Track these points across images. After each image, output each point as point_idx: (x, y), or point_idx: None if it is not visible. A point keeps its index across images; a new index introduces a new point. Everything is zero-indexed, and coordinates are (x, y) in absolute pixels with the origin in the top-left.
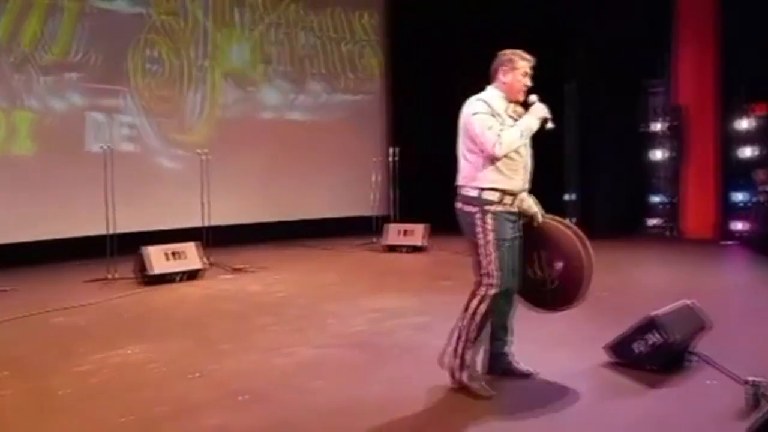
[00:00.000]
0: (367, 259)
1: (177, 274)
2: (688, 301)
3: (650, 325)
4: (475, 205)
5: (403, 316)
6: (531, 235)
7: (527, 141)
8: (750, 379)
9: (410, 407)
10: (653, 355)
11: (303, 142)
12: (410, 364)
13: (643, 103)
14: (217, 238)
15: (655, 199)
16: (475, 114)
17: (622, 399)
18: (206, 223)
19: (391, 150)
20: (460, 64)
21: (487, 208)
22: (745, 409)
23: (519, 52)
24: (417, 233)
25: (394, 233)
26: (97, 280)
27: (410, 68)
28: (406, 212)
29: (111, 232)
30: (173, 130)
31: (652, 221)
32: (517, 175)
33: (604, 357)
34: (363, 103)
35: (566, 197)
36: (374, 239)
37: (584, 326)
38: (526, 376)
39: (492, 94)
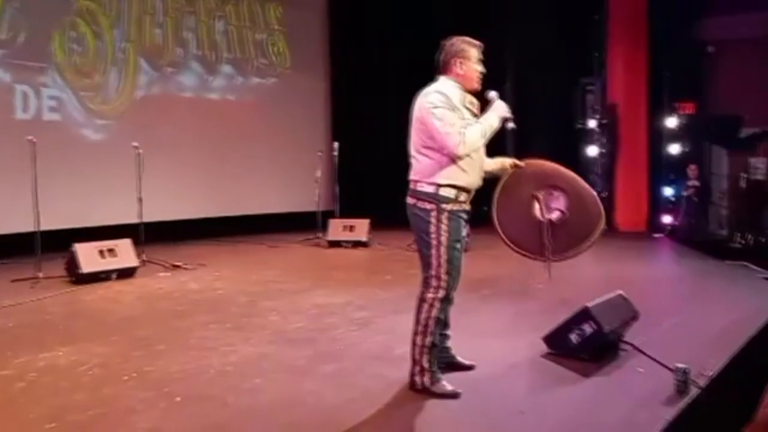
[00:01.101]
0: (310, 254)
1: (111, 272)
2: (620, 292)
3: (585, 315)
4: (431, 203)
5: (345, 311)
6: (520, 185)
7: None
8: (678, 366)
9: (352, 403)
10: (588, 344)
11: (240, 134)
12: (351, 360)
13: (581, 101)
14: (153, 235)
15: None
16: (435, 108)
17: (558, 388)
18: (141, 219)
19: (335, 145)
20: (399, 60)
21: (443, 206)
22: (673, 394)
23: (467, 39)
24: (360, 228)
25: (337, 228)
26: (25, 279)
27: (352, 63)
28: (349, 207)
29: (39, 228)
30: (97, 107)
31: None
32: (475, 171)
33: (543, 347)
34: (303, 97)
35: None
36: (318, 235)
37: (524, 318)
38: (466, 368)
39: (446, 84)
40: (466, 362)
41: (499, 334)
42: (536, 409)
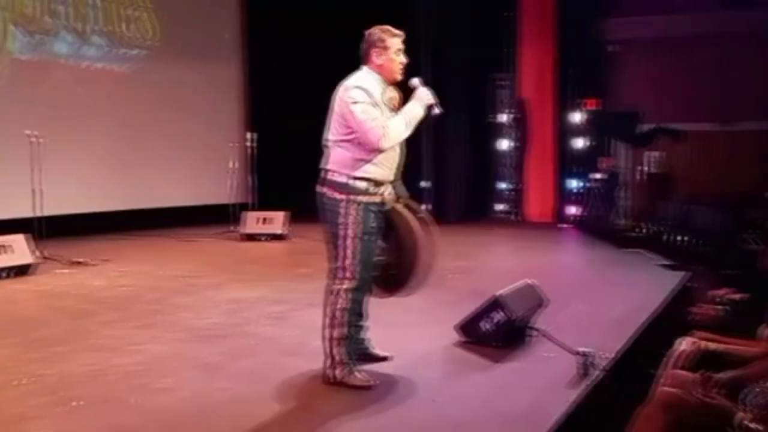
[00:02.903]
0: (224, 248)
1: (3, 269)
2: (529, 280)
3: (495, 304)
4: (342, 193)
5: (260, 306)
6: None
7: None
8: (580, 350)
9: (265, 399)
10: (498, 332)
11: (144, 120)
12: (266, 356)
13: (492, 96)
14: (52, 230)
15: (502, 185)
16: (355, 103)
17: (470, 375)
18: (38, 213)
19: (248, 135)
20: (318, 52)
21: (354, 197)
22: (576, 377)
23: (387, 28)
24: (277, 221)
25: (252, 221)
26: None
27: (268, 51)
28: (268, 200)
29: None
30: None
31: (499, 206)
32: (390, 165)
33: (456, 336)
34: (214, 84)
35: (422, 184)
36: (232, 228)
37: (438, 308)
38: (382, 359)
39: (368, 78)
40: (382, 353)
41: (413, 325)
42: (448, 397)
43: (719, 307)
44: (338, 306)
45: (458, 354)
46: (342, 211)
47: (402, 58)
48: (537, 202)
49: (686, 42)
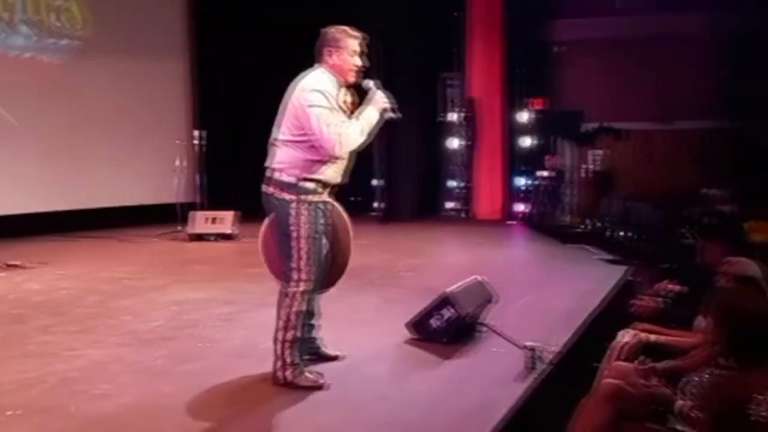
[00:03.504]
0: (170, 249)
1: None
2: (478, 277)
3: (445, 301)
4: (291, 193)
5: (207, 307)
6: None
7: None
8: (528, 344)
9: (212, 404)
10: (448, 328)
11: (84, 115)
12: (213, 359)
13: (442, 95)
14: None
15: (452, 183)
16: (311, 107)
17: (420, 371)
18: None
19: (196, 133)
20: (265, 50)
21: (304, 197)
22: (523, 371)
23: (345, 28)
24: (226, 220)
25: (200, 221)
26: None
27: (217, 47)
28: (218, 199)
29: None
30: None
31: (449, 204)
32: (339, 168)
33: (407, 334)
34: (157, 80)
35: (374, 183)
36: (178, 228)
37: (389, 306)
38: (333, 359)
39: (324, 79)
40: (333, 353)
41: (365, 323)
42: (399, 394)
43: (659, 299)
44: (293, 309)
45: (409, 351)
46: (293, 212)
47: (357, 60)
48: (486, 200)
49: (628, 44)
